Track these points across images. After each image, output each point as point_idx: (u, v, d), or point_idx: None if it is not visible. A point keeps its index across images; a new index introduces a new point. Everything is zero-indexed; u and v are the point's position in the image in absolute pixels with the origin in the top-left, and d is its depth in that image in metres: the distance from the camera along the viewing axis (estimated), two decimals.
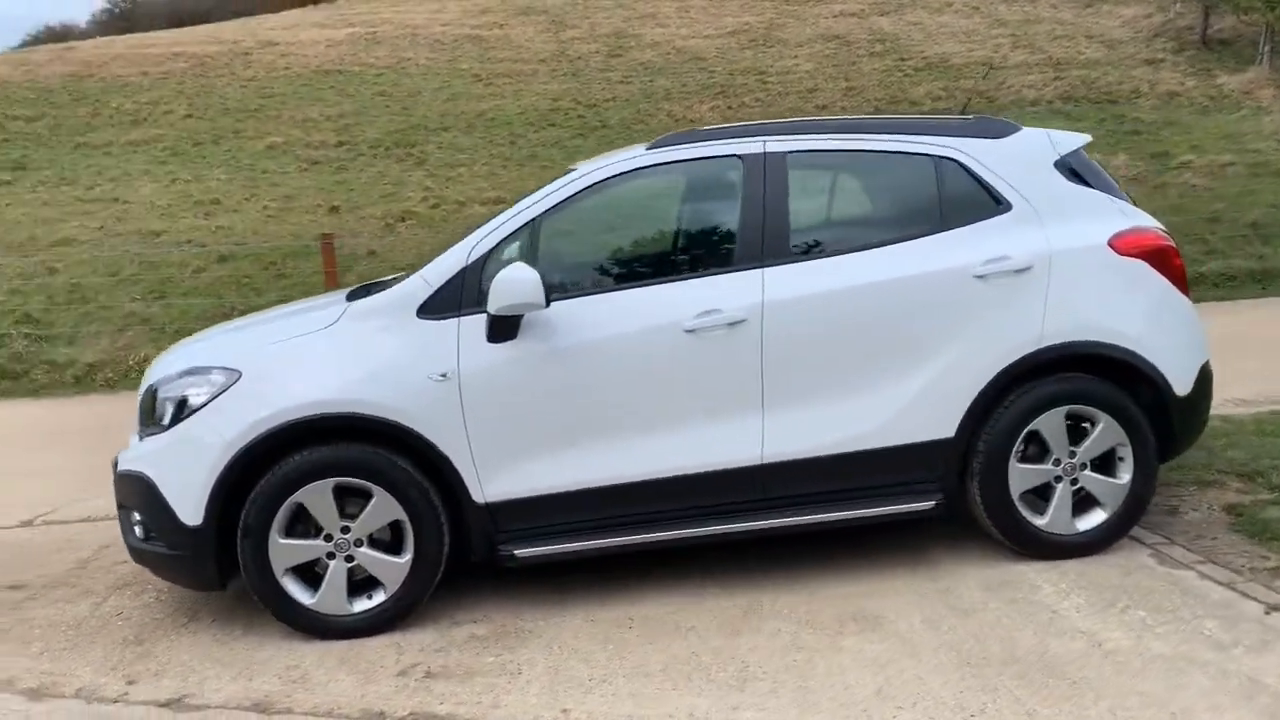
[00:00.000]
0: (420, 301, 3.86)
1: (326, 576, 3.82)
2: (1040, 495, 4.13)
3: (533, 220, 3.96)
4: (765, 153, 4.07)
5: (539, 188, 4.09)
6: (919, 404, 3.97)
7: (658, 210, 4.38)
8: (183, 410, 3.82)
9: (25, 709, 3.44)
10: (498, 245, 3.90)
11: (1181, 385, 4.14)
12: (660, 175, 4.15)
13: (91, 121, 20.32)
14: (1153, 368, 4.09)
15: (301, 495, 3.75)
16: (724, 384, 3.90)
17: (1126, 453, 4.11)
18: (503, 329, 3.78)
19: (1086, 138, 4.46)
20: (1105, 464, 4.15)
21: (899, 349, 3.98)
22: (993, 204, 4.11)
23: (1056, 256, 4.05)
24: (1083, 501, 4.16)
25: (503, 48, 26.16)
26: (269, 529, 3.74)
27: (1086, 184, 4.23)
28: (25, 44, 40.96)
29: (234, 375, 3.80)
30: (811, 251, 4.04)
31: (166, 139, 19.27)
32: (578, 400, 3.86)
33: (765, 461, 3.94)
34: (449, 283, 3.85)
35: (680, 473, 3.91)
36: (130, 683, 3.58)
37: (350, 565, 3.83)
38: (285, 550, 3.78)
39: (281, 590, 3.79)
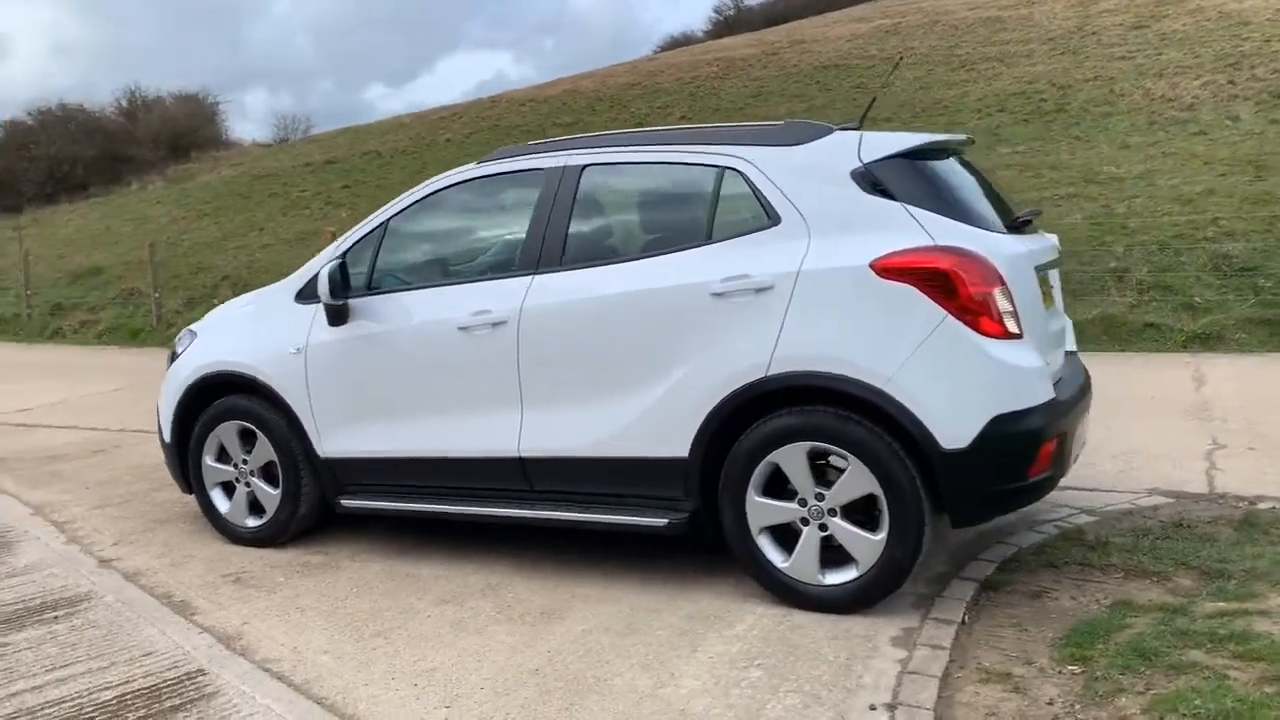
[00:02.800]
0: (297, 289, 4.82)
1: (234, 497, 5.00)
2: (788, 535, 3.80)
3: (383, 224, 4.68)
4: (563, 166, 4.29)
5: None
6: (653, 419, 3.93)
7: (474, 219, 4.75)
8: (174, 357, 5.26)
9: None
10: (354, 245, 4.70)
11: (951, 437, 3.49)
12: (482, 188, 4.57)
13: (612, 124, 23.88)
14: (905, 412, 3.51)
15: (219, 432, 4.97)
16: (490, 378, 4.27)
17: (883, 506, 3.60)
18: (334, 315, 4.60)
19: (920, 139, 3.86)
20: (865, 515, 3.67)
21: (637, 362, 3.96)
22: (764, 217, 3.85)
23: (804, 276, 3.68)
24: (835, 552, 3.73)
25: (1014, 28, 24.81)
26: (201, 455, 5.03)
27: (888, 195, 3.71)
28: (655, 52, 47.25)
29: (194, 336, 5.16)
30: (581, 261, 4.17)
31: None
32: (381, 381, 4.54)
33: (523, 455, 4.22)
34: (316, 275, 4.75)
35: (460, 455, 4.38)
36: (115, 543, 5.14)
37: (248, 491, 4.96)
38: (212, 471, 5.04)
39: (210, 502, 5.06)
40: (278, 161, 28.68)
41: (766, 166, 3.89)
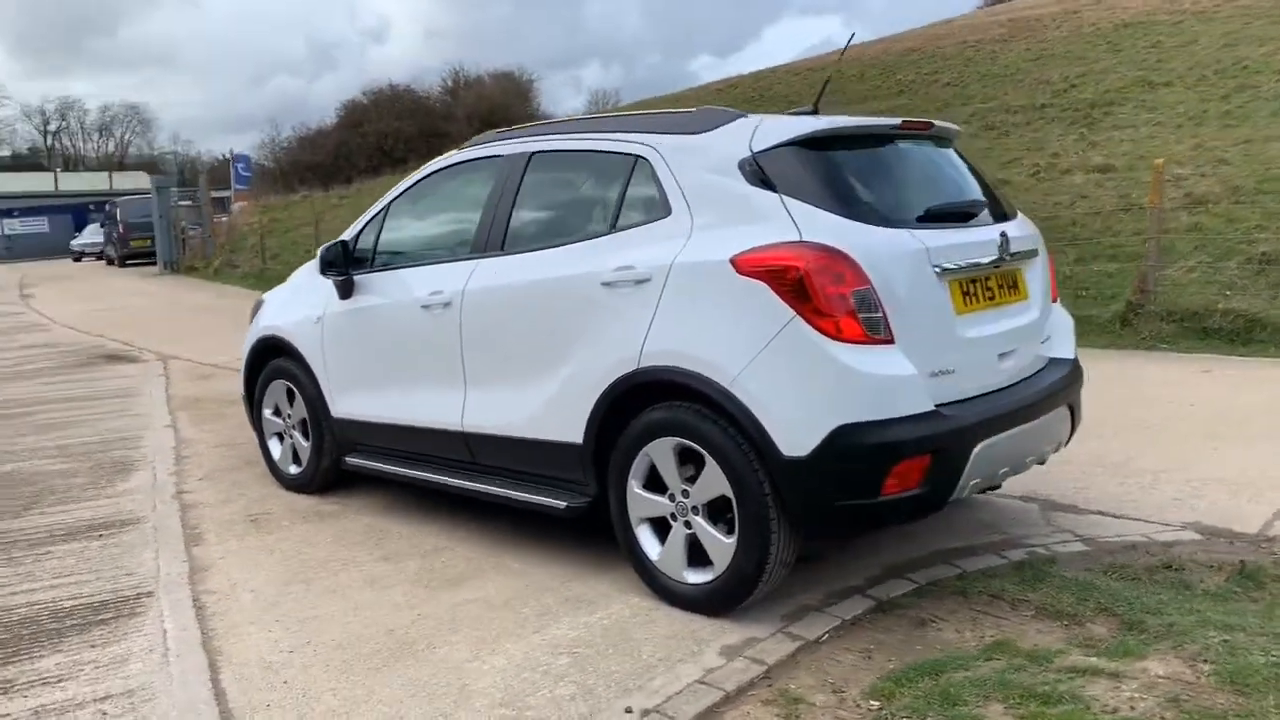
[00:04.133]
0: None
1: (283, 447, 5.65)
2: (665, 529, 3.77)
3: (385, 205, 5.06)
4: (514, 154, 4.44)
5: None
6: (556, 404, 4.01)
7: (449, 203, 4.91)
8: (252, 317, 5.99)
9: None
10: (366, 224, 5.12)
11: (791, 444, 3.30)
12: (458, 173, 4.78)
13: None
14: (747, 414, 3.37)
15: (271, 389, 5.63)
16: (442, 355, 4.53)
17: (735, 509, 3.48)
18: (341, 289, 5.06)
19: (825, 125, 3.61)
20: (723, 516, 3.57)
21: (546, 348, 4.06)
22: (659, 207, 3.80)
23: (675, 270, 3.60)
24: (699, 550, 3.66)
25: None
26: (261, 409, 5.73)
27: (769, 186, 3.53)
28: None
29: (263, 303, 5.85)
30: (517, 247, 4.29)
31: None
32: (369, 350, 4.94)
33: (466, 430, 4.46)
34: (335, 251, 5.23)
35: (422, 425, 4.70)
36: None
37: (291, 443, 5.59)
38: (269, 423, 5.73)
39: (267, 449, 5.76)
40: None
41: (667, 155, 3.82)
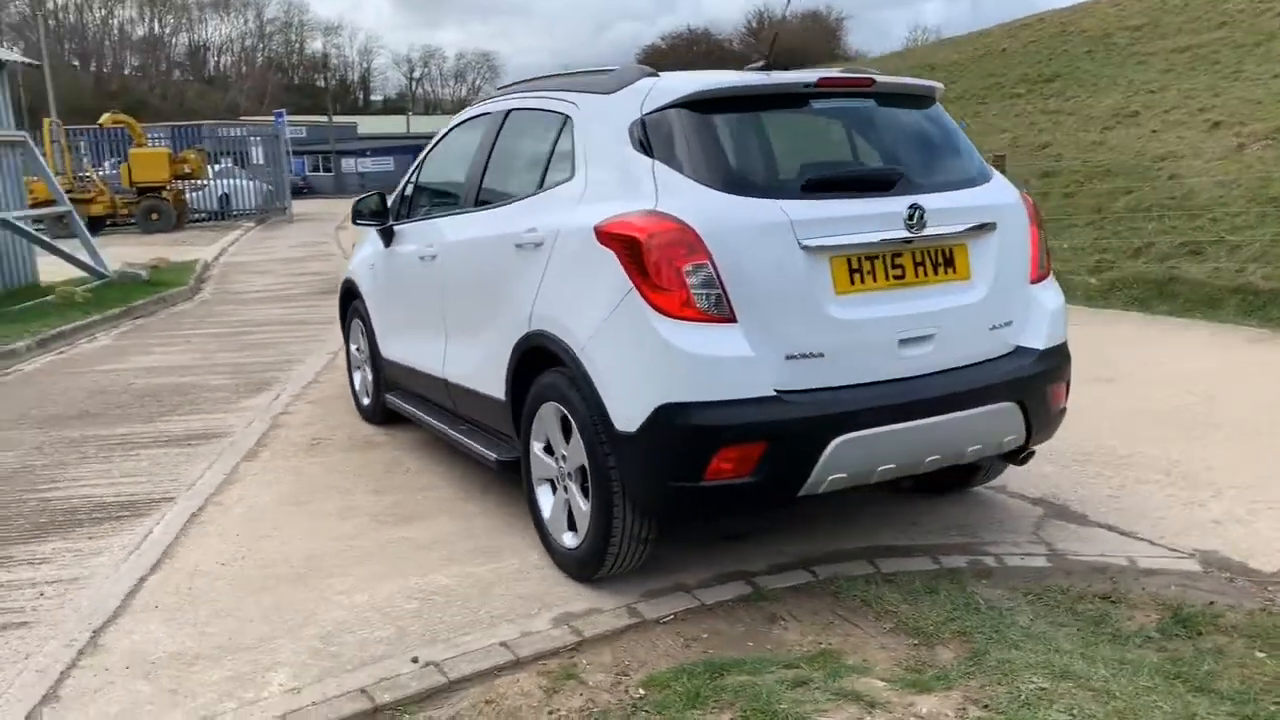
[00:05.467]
0: None
1: (360, 379, 6.20)
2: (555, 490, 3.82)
3: (420, 160, 5.34)
4: (497, 110, 4.53)
5: None
6: (487, 361, 4.13)
7: (461, 157, 4.95)
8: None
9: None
10: (408, 178, 5.44)
11: (623, 419, 3.22)
12: (470, 127, 4.89)
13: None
14: (589, 384, 3.32)
15: (352, 328, 6.18)
16: (432, 305, 4.78)
17: (590, 478, 3.47)
18: (384, 238, 5.43)
19: (712, 83, 3.39)
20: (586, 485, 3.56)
21: (481, 304, 4.18)
22: (569, 170, 3.77)
23: (562, 235, 3.58)
24: (572, 515, 3.68)
25: None
26: (349, 345, 6.31)
27: (647, 151, 3.40)
28: None
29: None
30: (484, 203, 4.40)
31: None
32: (395, 297, 5.29)
33: (447, 378, 4.70)
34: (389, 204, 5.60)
35: (423, 370, 4.99)
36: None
37: (363, 376, 6.12)
38: (354, 357, 6.29)
39: (351, 381, 6.34)
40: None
41: (580, 116, 3.76)
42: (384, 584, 3.72)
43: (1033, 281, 3.73)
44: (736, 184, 3.24)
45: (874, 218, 3.30)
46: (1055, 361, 3.68)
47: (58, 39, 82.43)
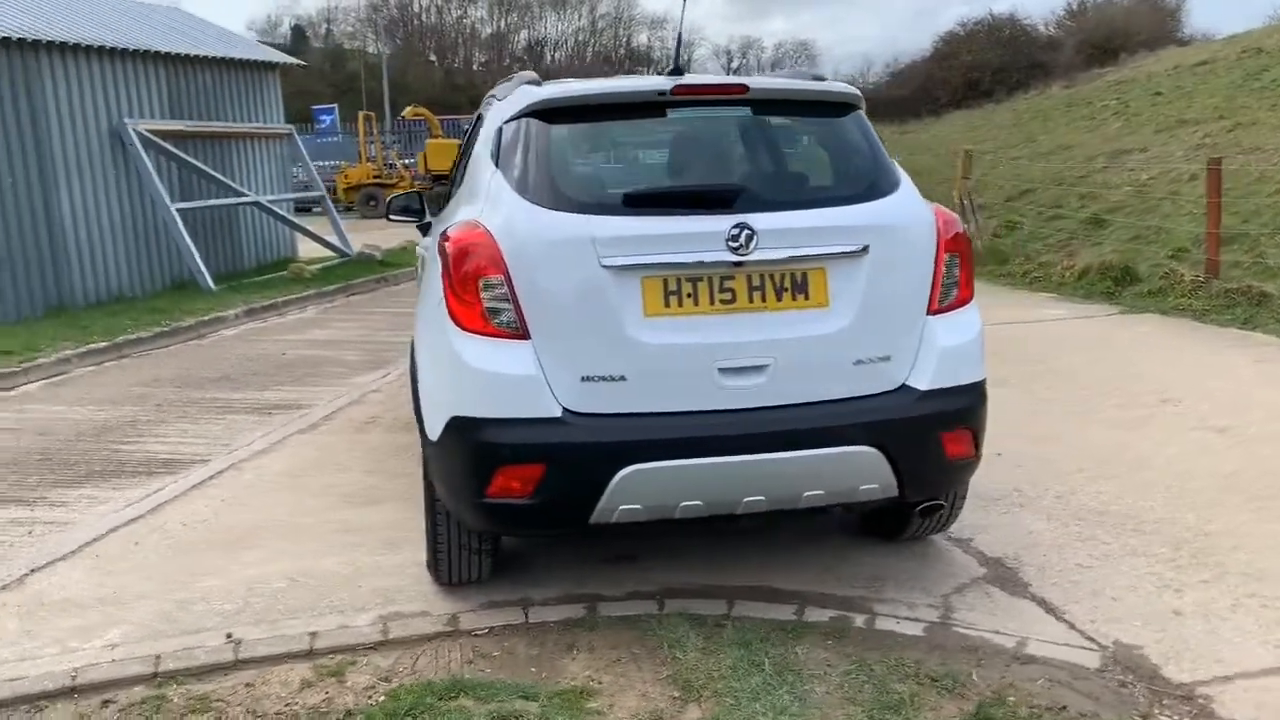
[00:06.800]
0: None
1: None
2: None
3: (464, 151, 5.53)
4: (481, 110, 4.62)
5: None
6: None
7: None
8: None
9: None
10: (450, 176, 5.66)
11: (430, 426, 3.26)
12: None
13: None
14: (414, 386, 3.40)
15: None
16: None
17: None
18: (423, 231, 5.71)
19: (553, 94, 3.28)
20: None
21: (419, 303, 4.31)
22: (462, 174, 3.82)
23: (437, 239, 3.64)
24: None
25: None
26: None
27: (495, 161, 3.37)
28: None
29: None
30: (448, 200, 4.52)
31: None
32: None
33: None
34: None
35: None
36: None
37: None
38: None
39: None
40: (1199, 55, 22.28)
41: (484, 123, 3.78)
42: (279, 561, 3.97)
43: (932, 313, 3.29)
44: (551, 198, 3.14)
45: (695, 237, 3.06)
46: (946, 404, 3.23)
47: (419, 37, 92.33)
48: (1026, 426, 5.34)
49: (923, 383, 3.22)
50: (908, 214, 3.29)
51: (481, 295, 3.06)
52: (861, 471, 3.15)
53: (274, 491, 4.84)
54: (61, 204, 10.51)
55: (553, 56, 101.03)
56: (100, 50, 11.03)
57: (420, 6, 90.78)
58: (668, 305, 3.06)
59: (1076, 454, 4.99)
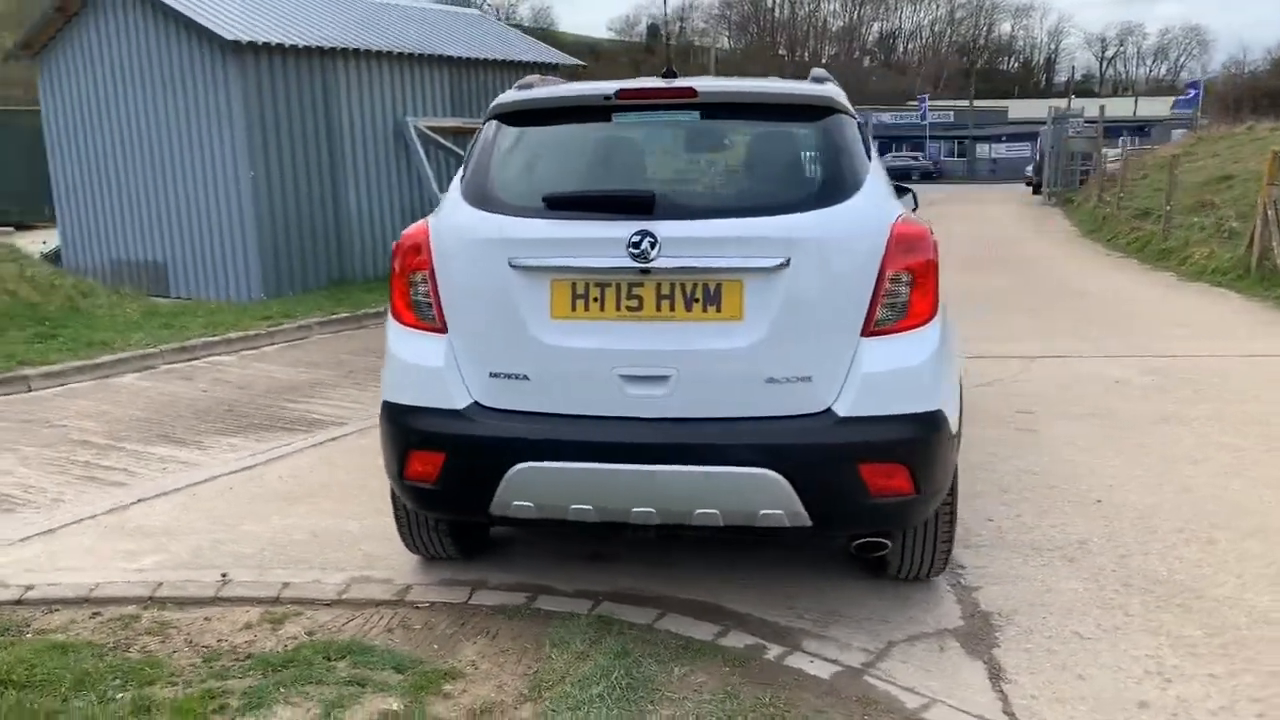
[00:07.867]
0: None
1: None
2: None
3: None
4: None
5: None
6: None
7: None
8: None
9: None
10: None
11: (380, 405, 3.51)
12: None
13: None
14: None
15: None
16: None
17: None
18: None
19: (513, 97, 3.40)
20: None
21: None
22: None
23: None
24: None
25: None
26: None
27: (464, 164, 3.54)
28: None
29: None
30: None
31: None
32: None
33: None
34: None
35: None
36: None
37: None
38: None
39: None
40: None
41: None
42: (316, 518, 4.42)
43: (867, 334, 3.03)
44: (480, 199, 3.26)
45: (600, 242, 3.04)
46: (869, 434, 2.97)
47: (771, 31, 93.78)
48: (1161, 475, 4.67)
49: (844, 408, 2.99)
50: (845, 227, 3.05)
51: (410, 290, 3.25)
52: (760, 495, 2.98)
53: (346, 460, 5.31)
54: (348, 192, 11.99)
55: (905, 48, 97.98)
56: (388, 55, 12.42)
57: (774, 2, 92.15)
58: (574, 309, 3.08)
59: (1191, 511, 4.30)
